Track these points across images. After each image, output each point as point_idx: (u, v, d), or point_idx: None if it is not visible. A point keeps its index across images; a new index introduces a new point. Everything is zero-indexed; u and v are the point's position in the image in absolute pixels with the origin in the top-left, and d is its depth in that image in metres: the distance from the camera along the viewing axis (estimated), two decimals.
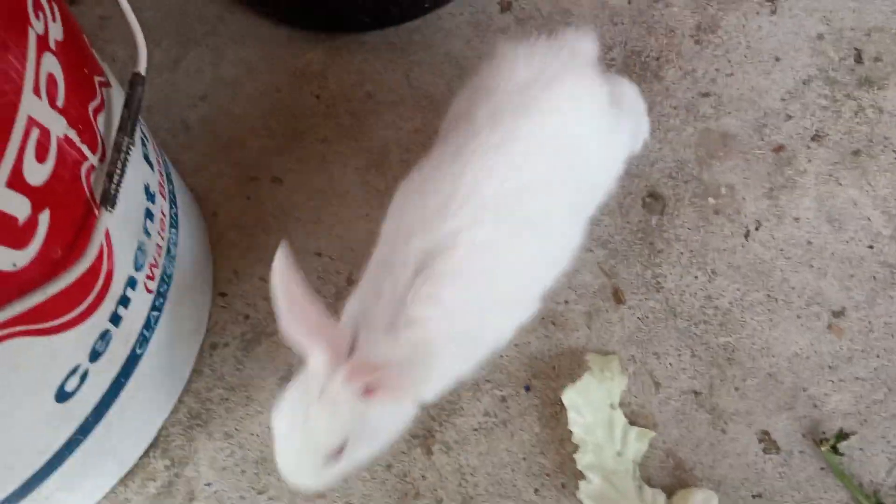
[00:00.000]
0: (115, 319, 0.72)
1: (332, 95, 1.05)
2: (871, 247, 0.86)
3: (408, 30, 1.10)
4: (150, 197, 0.79)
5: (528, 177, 0.60)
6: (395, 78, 1.05)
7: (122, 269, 0.72)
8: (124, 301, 0.72)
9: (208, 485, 0.79)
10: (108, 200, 0.68)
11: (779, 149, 0.94)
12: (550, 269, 0.64)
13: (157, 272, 0.79)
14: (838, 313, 0.82)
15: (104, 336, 0.70)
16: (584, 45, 0.68)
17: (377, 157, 0.99)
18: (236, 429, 0.82)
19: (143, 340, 0.77)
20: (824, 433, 0.77)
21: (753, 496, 0.75)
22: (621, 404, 0.80)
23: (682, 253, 0.88)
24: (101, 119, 0.71)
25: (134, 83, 0.76)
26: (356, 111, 1.03)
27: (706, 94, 0.99)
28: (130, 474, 0.80)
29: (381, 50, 1.08)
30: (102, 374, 0.72)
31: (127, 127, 0.73)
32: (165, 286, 0.80)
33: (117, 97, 0.74)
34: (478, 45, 1.06)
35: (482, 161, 0.59)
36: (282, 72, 1.08)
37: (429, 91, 1.04)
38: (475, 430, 0.81)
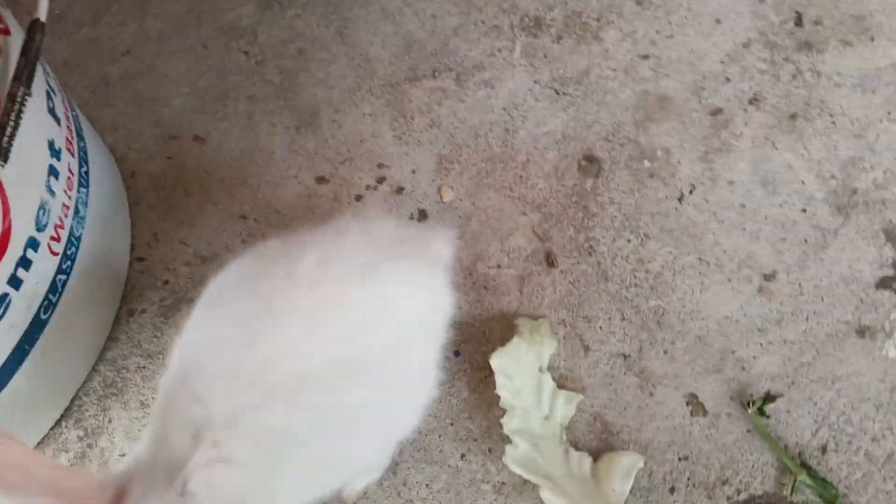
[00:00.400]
0: (15, 282, 0.68)
1: (262, 52, 1.00)
2: (804, 210, 0.85)
3: None
4: (56, 153, 0.74)
5: (338, 358, 0.49)
6: (329, 35, 1.01)
7: (21, 228, 0.67)
8: (24, 263, 0.68)
9: (123, 455, 0.76)
10: (1, 154, 0.63)
11: (716, 112, 0.92)
12: (350, 467, 0.56)
13: (64, 233, 0.74)
14: (769, 276, 0.82)
15: (2, 300, 0.66)
16: (439, 246, 0.59)
17: (307, 116, 0.95)
18: (153, 398, 0.79)
19: (48, 305, 0.73)
20: (751, 396, 0.76)
21: (680, 459, 0.74)
22: (550, 368, 0.78)
23: (615, 216, 0.86)
24: None
25: (32, 31, 0.71)
26: (286, 69, 0.99)
27: (645, 57, 0.97)
28: (41, 445, 0.77)
29: (315, 5, 1.04)
30: (2, 339, 0.68)
31: (23, 76, 0.68)
32: (73, 248, 0.76)
33: (18, 47, 0.69)
34: (415, 2, 1.02)
35: (288, 331, 0.48)
36: (209, 27, 1.03)
37: (363, 49, 1.00)
38: None
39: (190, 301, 0.83)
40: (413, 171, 0.91)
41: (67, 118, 0.79)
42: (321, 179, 0.90)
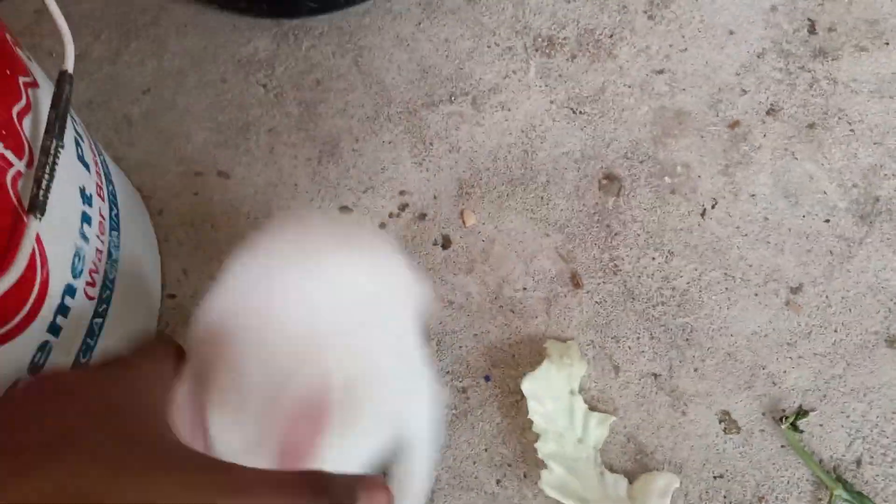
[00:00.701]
0: (55, 330, 0.69)
1: (280, 84, 1.01)
2: (827, 220, 0.85)
3: (357, 13, 1.06)
4: (87, 200, 0.76)
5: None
6: (345, 64, 1.02)
7: (59, 277, 0.69)
8: (63, 310, 0.70)
9: None
10: (38, 207, 0.65)
11: (734, 125, 0.93)
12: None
13: (99, 278, 0.76)
14: (796, 289, 0.82)
15: (43, 348, 0.67)
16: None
17: (328, 147, 0.96)
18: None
19: (86, 349, 0.75)
20: (784, 411, 0.76)
21: (715, 477, 0.74)
22: (581, 390, 0.79)
23: (638, 234, 0.87)
24: (27, 122, 0.67)
25: (61, 82, 0.73)
26: (305, 100, 1.00)
27: (660, 72, 0.98)
28: None
29: (330, 35, 1.05)
30: None
31: (54, 129, 0.70)
32: (108, 291, 0.77)
33: (46, 98, 0.71)
34: (428, 28, 1.03)
35: None
36: (227, 61, 1.04)
37: (380, 77, 1.01)
38: None
39: None
40: (435, 197, 0.92)
41: (96, 163, 0.81)
42: (345, 209, 0.92)
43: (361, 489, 0.26)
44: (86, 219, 0.76)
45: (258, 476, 0.24)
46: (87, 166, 0.79)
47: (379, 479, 0.27)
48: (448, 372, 0.82)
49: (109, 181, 0.85)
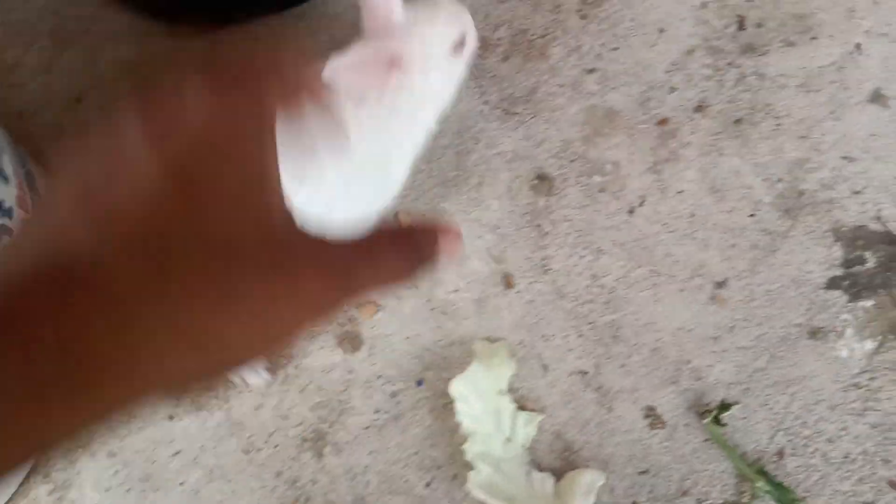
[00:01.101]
0: None
1: None
2: (752, 215, 0.86)
3: (293, 16, 1.06)
4: (6, 213, 0.75)
5: None
6: None
7: None
8: None
9: None
10: None
11: (663, 122, 0.93)
12: None
13: None
14: (721, 284, 0.83)
15: None
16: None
17: None
18: (120, 447, 0.80)
19: None
20: (708, 405, 0.77)
21: (640, 472, 0.75)
22: (510, 390, 0.79)
23: (568, 233, 0.87)
24: None
25: None
26: None
27: (592, 71, 0.98)
28: (11, 502, 0.77)
29: (266, 39, 1.04)
30: None
31: None
32: None
33: None
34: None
35: None
36: (161, 68, 1.04)
37: None
38: (366, 428, 0.80)
39: None
40: None
41: (18, 174, 0.80)
42: None
43: (439, 233, 0.26)
44: (5, 231, 0.75)
45: (357, 249, 0.23)
46: (6, 178, 0.78)
47: (453, 225, 0.28)
48: (379, 376, 0.83)
49: (35, 192, 0.84)
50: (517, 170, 0.93)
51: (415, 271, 0.25)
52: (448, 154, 0.95)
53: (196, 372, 0.20)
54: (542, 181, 0.92)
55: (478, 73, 1.00)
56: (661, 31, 1.01)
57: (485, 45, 1.02)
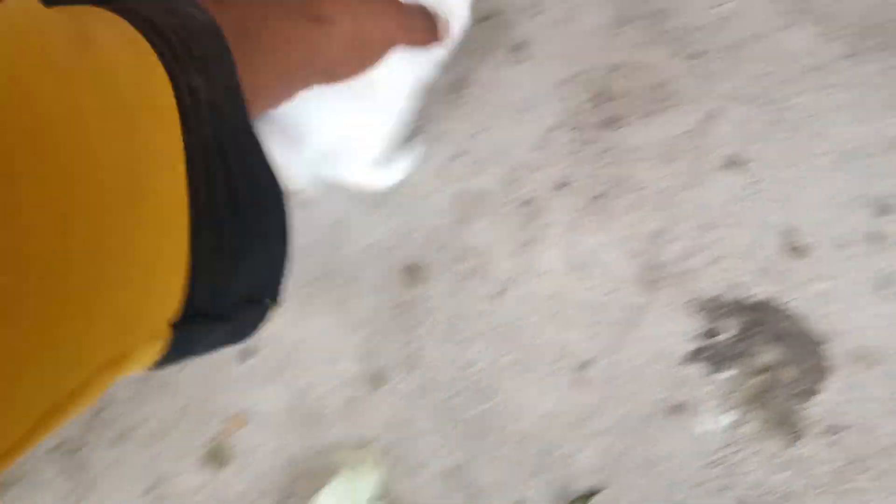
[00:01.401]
0: None
1: None
2: (613, 291, 0.87)
3: None
4: None
5: None
6: None
7: None
8: None
9: None
10: None
11: (527, 202, 0.95)
12: None
13: None
14: (585, 365, 0.83)
15: None
16: None
17: None
18: None
19: None
20: (575, 493, 0.77)
21: None
22: (382, 496, 0.79)
23: (438, 324, 0.88)
24: None
25: None
26: None
27: (459, 155, 1.00)
28: None
29: None
30: None
31: None
32: None
33: None
34: None
35: None
36: None
37: None
38: None
39: None
40: None
41: None
42: None
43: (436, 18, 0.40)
44: None
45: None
46: None
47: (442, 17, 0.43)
48: (247, 493, 0.82)
49: None
50: (387, 262, 0.93)
51: (434, 36, 0.40)
52: (319, 250, 0.95)
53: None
54: (413, 271, 0.92)
55: None
56: (525, 110, 1.03)
57: None
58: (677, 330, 0.85)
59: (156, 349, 0.26)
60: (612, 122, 1.00)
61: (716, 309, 0.86)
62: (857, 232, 0.88)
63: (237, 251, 0.29)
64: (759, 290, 0.86)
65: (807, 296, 0.85)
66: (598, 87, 1.02)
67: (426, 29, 0.44)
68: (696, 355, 0.83)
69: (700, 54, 1.02)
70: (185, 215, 0.25)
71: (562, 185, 0.96)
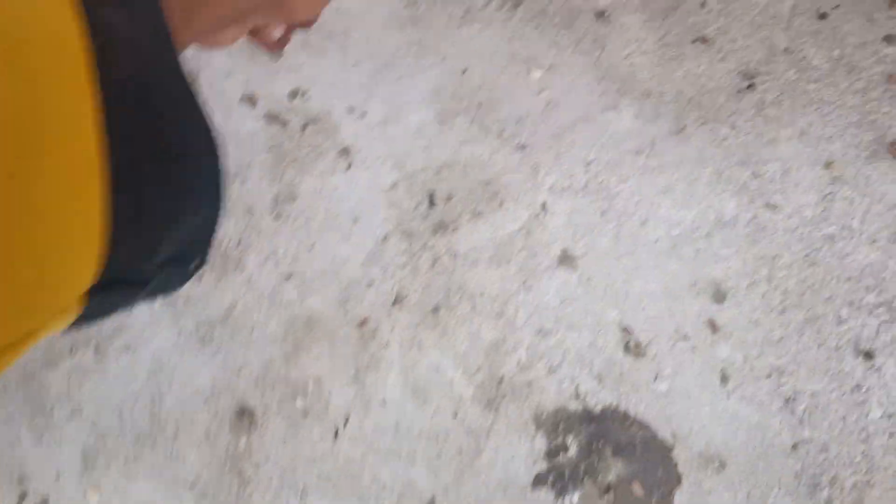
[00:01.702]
0: None
1: None
2: (455, 415, 0.82)
3: None
4: None
5: None
6: None
7: None
8: None
9: None
10: None
11: (363, 323, 0.89)
12: None
13: None
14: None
15: None
16: None
17: None
18: None
19: None
20: None
21: None
22: None
23: (272, 475, 0.81)
24: None
25: None
26: None
27: (289, 277, 0.94)
28: None
29: None
30: None
31: None
32: None
33: None
34: None
35: None
36: None
37: None
38: None
39: None
40: (57, 478, 0.83)
41: None
42: None
43: None
44: None
45: None
46: None
47: None
48: None
49: None
50: (216, 406, 0.86)
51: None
52: (142, 402, 0.87)
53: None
54: (243, 416, 0.85)
55: (171, 300, 0.94)
56: (356, 220, 0.98)
57: None
58: (521, 452, 0.81)
59: (65, 320, 0.21)
60: (443, 226, 0.96)
61: (559, 423, 0.83)
62: (695, 322, 0.87)
63: (164, 213, 0.24)
64: (601, 397, 0.83)
65: (649, 398, 0.82)
66: (428, 188, 0.99)
67: None
68: (540, 480, 0.79)
69: (526, 145, 1.00)
70: (97, 173, 0.20)
71: (397, 301, 0.92)
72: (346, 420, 0.84)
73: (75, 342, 0.91)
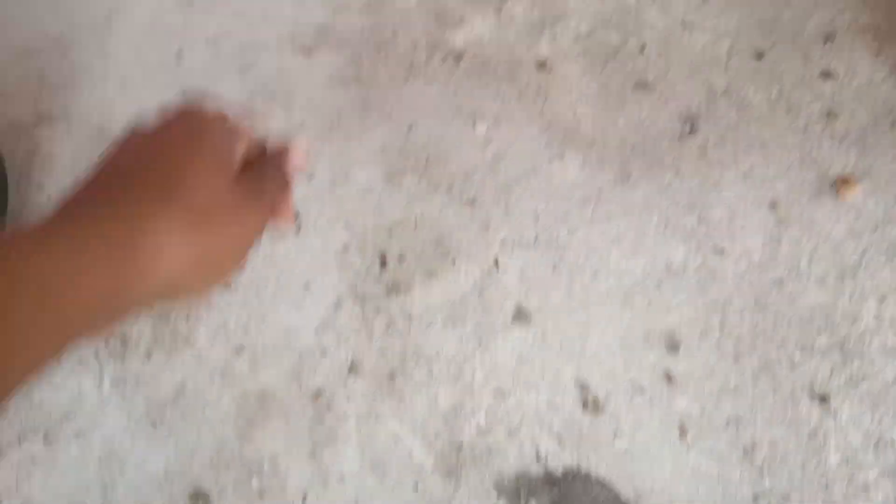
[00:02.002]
0: None
1: None
2: (416, 487, 0.81)
3: None
4: None
5: None
6: None
7: None
8: None
9: None
10: None
11: (317, 395, 0.88)
12: None
13: None
14: None
15: None
16: None
17: None
18: None
19: None
20: None
21: None
22: None
23: None
24: None
25: None
26: None
27: (240, 350, 0.92)
28: None
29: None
30: None
31: None
32: None
33: None
34: None
35: None
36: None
37: None
38: None
39: None
40: None
41: None
42: None
43: (281, 159, 0.35)
44: None
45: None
46: None
47: (283, 144, 0.36)
48: None
49: None
50: (170, 492, 0.83)
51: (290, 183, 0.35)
52: (93, 491, 0.84)
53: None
54: (198, 500, 0.83)
55: (120, 381, 0.91)
56: (307, 286, 0.96)
57: (124, 344, 0.94)
58: None
59: None
60: (396, 288, 0.95)
61: (521, 488, 0.82)
62: (651, 374, 0.86)
63: None
64: (562, 458, 0.82)
65: (609, 457, 0.82)
66: (380, 249, 0.98)
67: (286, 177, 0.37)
68: None
69: (476, 199, 1.00)
70: None
71: (352, 369, 0.90)
72: (304, 498, 0.82)
73: (23, 431, 0.88)
